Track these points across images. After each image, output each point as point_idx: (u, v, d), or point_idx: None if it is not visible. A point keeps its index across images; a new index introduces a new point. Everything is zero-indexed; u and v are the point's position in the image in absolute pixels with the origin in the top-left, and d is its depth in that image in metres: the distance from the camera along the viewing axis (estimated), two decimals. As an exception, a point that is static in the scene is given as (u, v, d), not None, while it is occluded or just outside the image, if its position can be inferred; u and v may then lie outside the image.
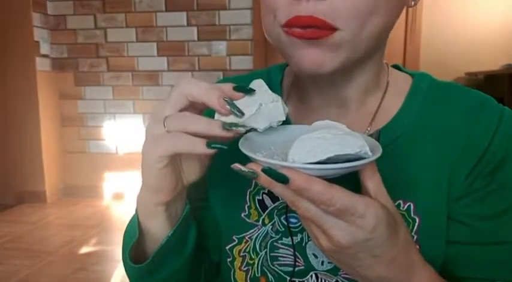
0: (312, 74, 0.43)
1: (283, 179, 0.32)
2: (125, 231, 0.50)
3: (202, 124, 0.38)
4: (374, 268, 0.37)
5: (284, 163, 0.32)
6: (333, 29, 0.39)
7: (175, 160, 0.42)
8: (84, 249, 2.36)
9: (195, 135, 0.38)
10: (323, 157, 0.32)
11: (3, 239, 2.52)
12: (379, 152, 0.34)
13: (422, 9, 3.04)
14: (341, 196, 0.32)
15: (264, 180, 0.33)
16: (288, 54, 0.44)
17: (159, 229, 0.46)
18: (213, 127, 0.37)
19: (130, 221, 0.49)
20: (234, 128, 0.37)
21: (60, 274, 2.07)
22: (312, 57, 0.41)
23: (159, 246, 0.45)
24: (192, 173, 0.45)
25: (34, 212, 3.04)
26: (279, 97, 0.40)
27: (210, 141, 0.37)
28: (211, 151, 0.37)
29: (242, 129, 0.38)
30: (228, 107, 0.38)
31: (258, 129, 0.39)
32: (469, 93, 0.50)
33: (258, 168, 0.33)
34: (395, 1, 0.42)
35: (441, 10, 3.09)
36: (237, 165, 0.34)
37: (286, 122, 0.52)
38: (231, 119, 0.39)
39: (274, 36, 0.44)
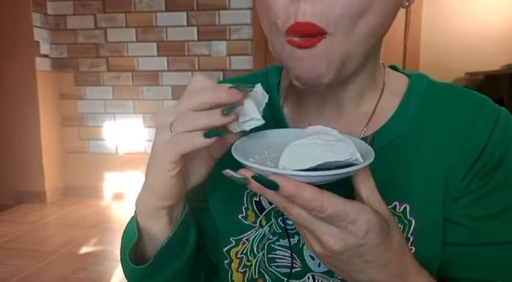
0: (311, 85, 0.43)
1: (273, 186, 0.32)
2: (124, 233, 0.50)
3: (203, 118, 0.38)
4: (367, 273, 0.37)
5: (274, 170, 0.32)
6: (325, 33, 0.39)
7: (184, 165, 0.42)
8: (84, 249, 2.37)
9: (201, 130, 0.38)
10: (313, 164, 0.32)
11: (3, 239, 2.53)
12: (371, 158, 0.34)
13: (422, 9, 3.03)
14: (332, 202, 0.33)
15: (255, 186, 0.34)
16: (288, 66, 0.44)
17: (159, 231, 0.46)
18: (214, 116, 0.37)
19: (129, 223, 0.49)
20: (233, 110, 0.37)
21: (60, 274, 2.07)
22: (309, 69, 0.41)
23: (159, 248, 0.46)
24: (198, 175, 0.45)
25: (34, 212, 3.04)
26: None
27: (208, 130, 0.37)
28: (210, 141, 0.37)
29: (241, 109, 0.38)
30: (239, 91, 0.37)
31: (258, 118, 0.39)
32: (466, 94, 0.50)
33: (249, 174, 0.34)
34: (389, 0, 0.42)
35: (441, 10, 3.09)
36: (228, 171, 0.35)
37: (282, 125, 0.52)
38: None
39: (278, 45, 0.44)
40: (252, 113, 0.38)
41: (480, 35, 3.06)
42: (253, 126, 0.39)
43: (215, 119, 0.37)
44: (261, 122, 0.39)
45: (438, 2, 3.06)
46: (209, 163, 0.45)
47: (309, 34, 0.39)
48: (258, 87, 0.40)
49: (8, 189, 3.26)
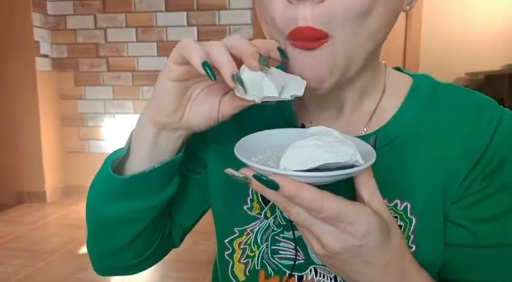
0: (313, 89, 0.43)
1: (273, 186, 0.32)
2: (110, 154, 0.50)
3: (222, 56, 0.38)
4: (367, 274, 0.38)
5: (275, 170, 0.33)
6: (327, 36, 0.39)
7: (186, 86, 0.42)
8: (84, 249, 2.36)
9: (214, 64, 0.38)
10: (313, 165, 0.32)
11: (3, 239, 2.53)
12: (372, 159, 0.35)
13: (422, 10, 3.04)
14: (331, 203, 0.33)
15: (256, 186, 0.34)
16: (290, 69, 0.44)
17: (142, 156, 0.46)
18: (225, 66, 0.37)
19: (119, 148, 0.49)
20: (238, 84, 0.37)
21: (60, 274, 2.08)
22: (312, 73, 0.41)
23: (140, 172, 0.45)
24: (196, 117, 0.44)
25: (34, 212, 3.04)
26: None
27: (206, 64, 0.37)
28: (201, 70, 0.37)
29: (244, 92, 0.38)
30: (258, 62, 0.37)
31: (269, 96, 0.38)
32: (469, 94, 0.50)
33: (250, 174, 0.34)
34: (390, 4, 0.41)
35: (441, 11, 3.09)
36: (230, 170, 0.35)
37: (291, 122, 0.53)
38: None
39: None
40: (258, 88, 0.38)
41: (480, 35, 3.07)
42: (248, 98, 0.38)
43: (225, 70, 0.37)
44: (257, 100, 0.38)
45: (438, 2, 3.07)
46: (213, 116, 0.44)
47: (311, 39, 0.39)
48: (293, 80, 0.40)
49: (8, 189, 3.25)
